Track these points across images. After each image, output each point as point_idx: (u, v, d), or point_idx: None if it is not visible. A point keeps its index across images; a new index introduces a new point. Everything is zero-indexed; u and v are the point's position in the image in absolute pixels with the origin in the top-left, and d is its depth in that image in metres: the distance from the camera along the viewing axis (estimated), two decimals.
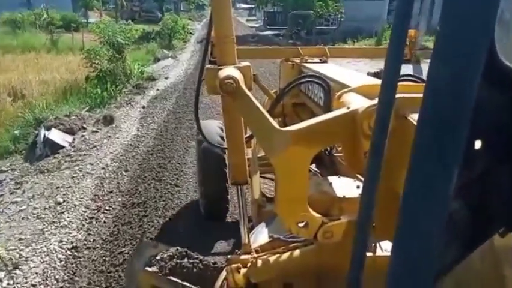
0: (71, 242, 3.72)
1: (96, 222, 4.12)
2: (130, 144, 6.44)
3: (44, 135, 6.37)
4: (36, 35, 21.15)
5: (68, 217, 4.17)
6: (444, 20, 0.48)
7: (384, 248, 1.38)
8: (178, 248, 2.02)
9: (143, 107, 9.04)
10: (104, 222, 4.13)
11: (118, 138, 6.76)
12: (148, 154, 5.97)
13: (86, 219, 4.16)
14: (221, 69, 1.37)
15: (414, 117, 0.85)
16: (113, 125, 7.35)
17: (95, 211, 4.28)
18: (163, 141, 6.47)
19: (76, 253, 3.56)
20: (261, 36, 29.70)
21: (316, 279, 1.40)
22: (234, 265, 1.44)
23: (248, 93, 1.32)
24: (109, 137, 6.74)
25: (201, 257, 2.04)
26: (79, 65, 11.75)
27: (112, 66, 10.85)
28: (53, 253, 3.55)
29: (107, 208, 4.33)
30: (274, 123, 1.18)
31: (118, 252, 3.51)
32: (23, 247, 3.62)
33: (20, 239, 3.76)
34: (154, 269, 1.99)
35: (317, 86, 2.24)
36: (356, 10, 24.66)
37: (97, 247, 3.66)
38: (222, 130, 3.50)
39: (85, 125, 7.15)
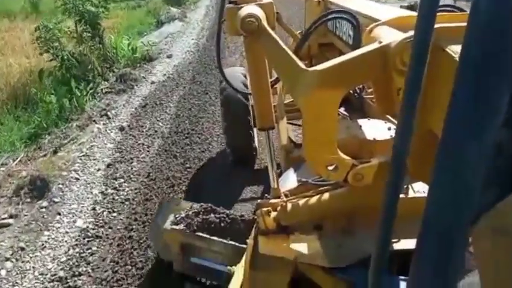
0: None
1: None
2: (59, 280, 2.90)
3: None
4: None
5: None
6: None
7: (417, 189, 1.36)
8: (202, 204, 2.06)
9: (122, 129, 5.40)
10: None
11: (44, 246, 3.23)
12: None
13: None
14: (242, 7, 1.35)
15: (452, 49, 0.73)
16: (48, 198, 3.80)
17: None
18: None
19: None
20: None
21: (346, 221, 1.34)
22: (264, 209, 1.38)
23: (271, 31, 1.31)
24: (23, 249, 3.20)
25: (228, 211, 2.05)
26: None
27: (79, 51, 7.11)
28: None
29: None
30: (300, 63, 1.10)
31: None
32: None
33: None
34: (181, 226, 2.03)
35: (345, 22, 2.05)
36: None
37: None
38: (245, 77, 3.45)
39: None
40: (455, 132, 0.51)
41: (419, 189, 1.37)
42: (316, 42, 2.96)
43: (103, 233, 3.39)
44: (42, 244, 3.27)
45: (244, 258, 1.57)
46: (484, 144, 0.49)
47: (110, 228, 3.45)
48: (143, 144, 4.93)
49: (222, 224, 2.07)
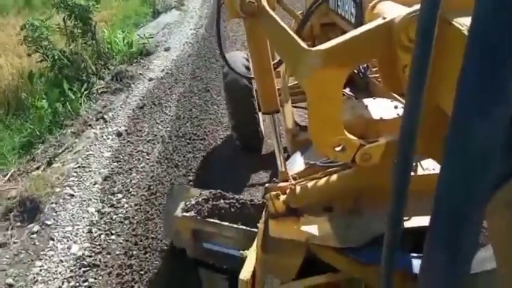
0: None
1: None
2: None
3: None
4: None
5: None
6: None
7: (426, 167, 1.36)
8: (212, 190, 2.08)
9: (119, 134, 5.04)
10: None
11: (35, 280, 2.91)
12: None
13: None
14: None
15: (459, 22, 0.69)
16: (40, 221, 3.47)
17: None
18: None
19: None
20: None
21: (354, 202, 1.34)
22: (273, 192, 1.38)
23: (272, 12, 1.30)
24: (11, 286, 2.88)
25: (237, 197, 2.06)
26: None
27: (71, 49, 6.70)
28: None
29: None
30: (302, 43, 1.08)
31: None
32: None
33: None
34: (192, 213, 2.05)
35: (347, 0, 2.04)
36: None
37: None
38: (248, 60, 3.36)
39: None
40: (464, 108, 0.49)
41: (428, 166, 1.36)
42: (319, 22, 2.90)
43: (100, 261, 3.06)
44: (34, 278, 2.95)
45: (255, 242, 1.58)
46: (495, 120, 0.47)
47: (108, 254, 3.13)
48: (142, 151, 4.57)
49: (232, 209, 2.09)
